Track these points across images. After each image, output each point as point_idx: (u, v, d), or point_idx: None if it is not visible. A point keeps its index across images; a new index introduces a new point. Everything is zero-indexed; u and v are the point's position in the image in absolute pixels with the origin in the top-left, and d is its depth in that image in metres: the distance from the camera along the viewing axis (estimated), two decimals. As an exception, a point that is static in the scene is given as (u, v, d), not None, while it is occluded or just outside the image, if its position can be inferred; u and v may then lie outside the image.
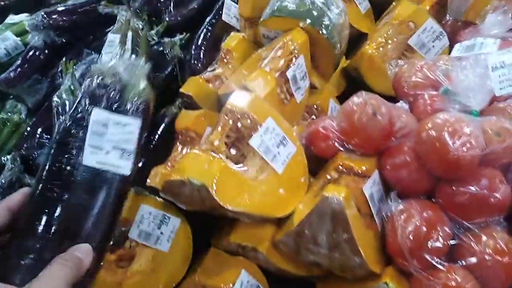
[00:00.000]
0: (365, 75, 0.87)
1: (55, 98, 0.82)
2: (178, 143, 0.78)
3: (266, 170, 0.63)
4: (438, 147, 0.54)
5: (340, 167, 0.64)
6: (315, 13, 0.77)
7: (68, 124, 0.52)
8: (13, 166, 0.87)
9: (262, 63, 0.75)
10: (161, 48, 1.01)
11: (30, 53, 0.98)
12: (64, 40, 0.98)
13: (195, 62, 0.97)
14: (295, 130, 0.72)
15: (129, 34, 0.84)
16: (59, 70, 0.95)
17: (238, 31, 1.03)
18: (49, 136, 0.94)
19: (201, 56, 0.97)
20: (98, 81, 0.54)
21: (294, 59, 0.75)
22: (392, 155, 0.62)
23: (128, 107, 0.53)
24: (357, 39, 0.97)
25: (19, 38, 1.07)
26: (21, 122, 0.98)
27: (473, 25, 0.81)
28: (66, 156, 0.50)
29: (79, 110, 0.53)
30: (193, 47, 0.98)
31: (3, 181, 0.84)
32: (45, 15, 0.94)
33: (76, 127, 0.52)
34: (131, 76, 0.56)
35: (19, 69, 0.96)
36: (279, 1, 0.79)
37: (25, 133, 0.95)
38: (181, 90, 0.83)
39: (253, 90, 0.68)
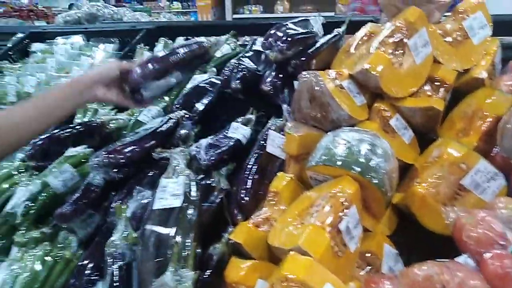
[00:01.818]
0: (418, 214, 0.84)
1: (108, 247, 0.84)
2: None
3: None
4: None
5: None
6: (363, 162, 0.77)
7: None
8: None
9: (312, 214, 0.75)
10: (209, 180, 1.05)
11: (87, 189, 1.03)
12: (121, 177, 1.04)
13: (242, 195, 0.98)
14: (352, 288, 0.68)
15: (181, 179, 0.88)
16: (111, 206, 0.98)
17: (283, 161, 1.06)
18: (98, 274, 0.94)
19: (249, 189, 0.98)
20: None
21: (346, 209, 0.74)
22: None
23: None
24: (403, 168, 0.96)
25: (75, 170, 1.15)
26: (72, 258, 0.99)
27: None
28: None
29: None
30: (240, 180, 1.01)
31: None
32: (106, 154, 1.00)
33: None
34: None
35: (75, 206, 1.01)
36: (327, 149, 0.82)
37: (75, 270, 0.95)
38: (231, 237, 0.83)
39: (308, 251, 0.66)
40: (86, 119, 1.40)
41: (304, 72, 0.97)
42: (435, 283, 0.57)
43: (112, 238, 0.85)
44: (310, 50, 1.28)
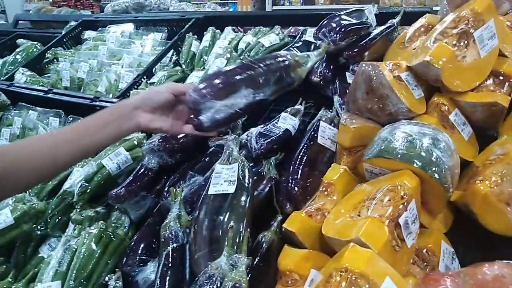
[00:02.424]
0: (479, 213, 0.81)
1: (164, 229, 0.87)
2: (280, 285, 0.77)
3: None
4: None
5: None
6: (425, 156, 0.75)
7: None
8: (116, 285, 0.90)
9: (370, 207, 0.73)
10: (258, 169, 1.05)
11: (141, 172, 1.07)
12: (174, 161, 1.07)
13: (292, 185, 0.98)
14: (410, 285, 0.67)
15: (235, 165, 0.89)
16: (165, 191, 1.01)
17: (333, 152, 1.05)
18: (150, 254, 0.98)
19: (299, 179, 0.98)
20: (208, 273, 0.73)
21: (405, 204, 0.72)
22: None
23: None
24: (461, 166, 0.93)
25: (129, 153, 1.19)
26: (125, 237, 1.03)
27: None
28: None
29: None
30: (290, 170, 1.00)
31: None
32: (161, 139, 1.03)
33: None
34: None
35: (129, 187, 1.05)
36: (386, 141, 0.80)
37: (127, 250, 0.99)
38: (285, 226, 0.83)
39: (367, 243, 0.65)
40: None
41: (362, 63, 0.94)
42: (507, 284, 0.55)
43: (167, 220, 0.88)
44: (364, 41, 1.25)
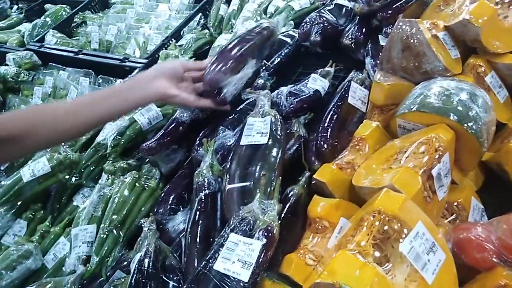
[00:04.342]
0: (512, 172, 0.80)
1: (197, 176, 0.90)
2: (309, 231, 0.79)
3: (416, 279, 0.59)
4: None
5: (502, 284, 0.58)
6: (462, 110, 0.75)
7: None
8: (150, 230, 0.94)
9: (403, 158, 0.74)
10: (288, 127, 1.06)
11: (173, 125, 1.09)
12: (205, 116, 1.09)
13: (322, 143, 0.99)
14: (441, 233, 0.68)
15: (268, 118, 0.90)
16: (196, 144, 1.03)
17: (363, 113, 1.05)
18: (180, 204, 1.01)
19: (328, 137, 0.99)
20: (241, 216, 0.75)
21: (439, 156, 0.72)
22: None
23: (255, 233, 0.71)
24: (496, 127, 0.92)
25: (159, 109, 1.21)
26: (156, 188, 1.07)
27: None
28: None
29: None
30: (320, 128, 1.01)
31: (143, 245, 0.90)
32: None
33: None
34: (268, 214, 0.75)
35: (160, 140, 1.07)
36: (422, 95, 0.79)
37: (159, 199, 1.03)
38: (315, 176, 0.84)
39: (400, 190, 0.66)
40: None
41: (400, 20, 0.93)
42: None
43: (199, 169, 0.91)
44: (399, 3, 1.22)
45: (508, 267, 0.60)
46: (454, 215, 0.77)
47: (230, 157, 0.90)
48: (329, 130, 1.01)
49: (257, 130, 0.89)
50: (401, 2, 1.22)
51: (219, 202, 0.88)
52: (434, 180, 0.72)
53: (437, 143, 0.73)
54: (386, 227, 0.62)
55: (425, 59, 0.90)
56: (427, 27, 0.96)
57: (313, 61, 1.38)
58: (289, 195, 0.92)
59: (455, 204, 0.78)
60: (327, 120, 1.03)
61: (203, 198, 0.86)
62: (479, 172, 0.87)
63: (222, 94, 1.02)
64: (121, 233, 0.97)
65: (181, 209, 1.01)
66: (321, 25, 1.33)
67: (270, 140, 0.87)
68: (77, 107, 0.91)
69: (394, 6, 1.22)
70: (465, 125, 0.74)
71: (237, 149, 0.89)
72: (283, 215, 0.89)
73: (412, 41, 0.91)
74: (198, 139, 1.03)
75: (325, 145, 0.99)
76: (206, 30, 1.67)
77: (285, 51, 1.37)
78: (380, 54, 1.05)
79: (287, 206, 0.90)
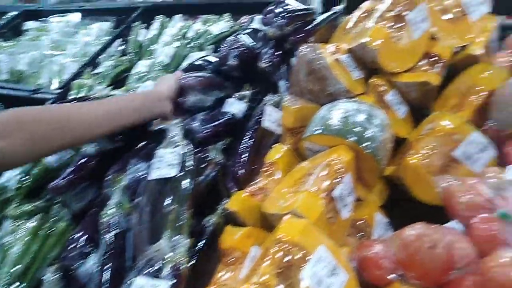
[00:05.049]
0: (411, 185, 0.85)
1: (104, 216, 0.85)
2: (222, 264, 0.77)
3: (320, 305, 0.60)
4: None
5: (398, 300, 0.60)
6: (359, 131, 0.78)
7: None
8: (52, 280, 0.87)
9: (308, 182, 0.75)
10: (205, 154, 1.05)
11: (81, 161, 1.02)
12: (114, 147, 1.04)
13: (238, 168, 0.99)
14: (344, 253, 0.69)
15: (178, 149, 0.88)
16: (106, 179, 0.98)
17: (279, 136, 1.06)
18: (92, 246, 0.94)
19: (245, 163, 0.99)
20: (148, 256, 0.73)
21: (340, 177, 0.75)
22: (455, 290, 0.58)
23: (163, 273, 0.69)
24: (397, 143, 0.97)
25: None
26: (65, 231, 0.99)
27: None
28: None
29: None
30: (236, 154, 1.01)
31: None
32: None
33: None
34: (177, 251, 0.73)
35: (68, 177, 1.00)
36: (324, 118, 0.82)
37: (68, 243, 0.95)
38: (226, 206, 0.83)
39: (304, 215, 0.67)
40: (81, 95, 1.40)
41: (303, 45, 0.96)
42: (426, 242, 0.58)
43: (106, 208, 0.86)
44: (309, 27, 1.27)
45: (405, 282, 0.62)
46: (362, 232, 0.79)
47: (139, 192, 0.86)
48: (246, 155, 1.01)
49: (167, 162, 0.86)
50: (311, 25, 1.28)
51: (129, 240, 0.83)
52: (336, 201, 0.74)
53: (338, 164, 0.75)
54: (289, 256, 0.62)
55: (328, 82, 0.94)
56: (330, 51, 1.01)
57: (232, 84, 1.38)
58: (206, 226, 0.90)
59: (361, 221, 0.80)
60: (243, 145, 1.03)
61: (110, 239, 0.81)
62: (383, 187, 0.91)
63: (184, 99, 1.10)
64: (22, 286, 0.88)
65: (95, 251, 0.94)
66: (238, 49, 1.34)
67: (180, 172, 0.84)
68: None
69: (304, 30, 1.27)
70: (363, 145, 0.77)
71: (147, 184, 0.86)
72: (199, 247, 0.87)
73: (315, 65, 0.94)
74: (107, 174, 0.98)
75: (242, 171, 0.99)
76: (125, 57, 1.63)
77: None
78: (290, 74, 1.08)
79: (204, 237, 0.88)
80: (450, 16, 1.10)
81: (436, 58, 1.04)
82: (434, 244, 0.58)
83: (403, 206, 0.89)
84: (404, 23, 1.02)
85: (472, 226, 0.66)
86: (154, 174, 0.86)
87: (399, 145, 0.97)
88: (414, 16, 1.01)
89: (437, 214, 0.76)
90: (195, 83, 1.12)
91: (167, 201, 0.81)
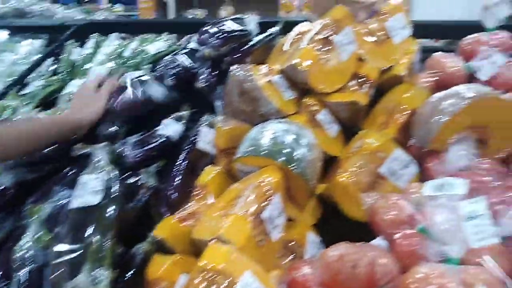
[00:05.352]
0: (341, 203, 0.87)
1: (18, 250, 0.78)
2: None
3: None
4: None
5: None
6: (288, 152, 0.78)
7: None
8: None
9: (237, 205, 0.74)
10: (136, 178, 1.00)
11: (-3, 192, 0.94)
12: (34, 176, 0.96)
13: (171, 192, 0.96)
14: (274, 277, 0.68)
15: (102, 175, 0.83)
16: (25, 209, 0.90)
17: (214, 157, 1.05)
18: (8, 283, 0.86)
19: (178, 186, 0.96)
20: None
21: (269, 199, 0.74)
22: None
23: None
24: (329, 160, 0.99)
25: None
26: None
27: (439, 153, 0.84)
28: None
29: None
30: (169, 177, 0.98)
31: None
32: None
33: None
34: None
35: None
36: (254, 139, 0.82)
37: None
38: (154, 233, 0.79)
39: (230, 240, 0.65)
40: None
41: (234, 66, 0.96)
42: (347, 262, 0.59)
43: (21, 242, 0.79)
44: (244, 48, 1.28)
45: (331, 303, 0.62)
46: (294, 253, 0.79)
47: (59, 223, 0.80)
48: (179, 178, 0.98)
49: (90, 189, 0.81)
50: (246, 47, 1.29)
51: (47, 278, 0.76)
52: (266, 223, 0.73)
53: (267, 185, 0.75)
54: (213, 285, 0.59)
55: (260, 103, 0.94)
56: (263, 72, 1.02)
57: (170, 105, 1.35)
58: (136, 254, 0.85)
59: (292, 242, 0.80)
60: (177, 168, 1.00)
61: (25, 276, 0.74)
62: (316, 206, 0.92)
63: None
64: None
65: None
66: (175, 69, 1.32)
67: (104, 199, 0.80)
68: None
69: (241, 50, 1.28)
70: (291, 165, 0.77)
71: (68, 213, 0.80)
72: (127, 277, 0.82)
73: (246, 86, 0.95)
74: (25, 204, 0.90)
75: (175, 195, 0.95)
76: (57, 76, 1.54)
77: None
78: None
79: (133, 267, 0.83)
80: (375, 39, 1.16)
81: (364, 78, 1.08)
82: (356, 264, 0.59)
83: (334, 224, 0.91)
84: (332, 46, 1.06)
85: (395, 242, 0.68)
86: (76, 202, 0.81)
87: (332, 163, 1.00)
88: (341, 39, 1.05)
89: (370, 230, 0.78)
90: (126, 106, 1.07)
91: (89, 231, 0.76)
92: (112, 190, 0.82)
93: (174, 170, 0.99)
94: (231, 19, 1.34)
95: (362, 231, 0.83)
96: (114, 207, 0.80)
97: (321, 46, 1.06)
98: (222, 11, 5.22)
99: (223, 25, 1.29)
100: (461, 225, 0.59)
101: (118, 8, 6.33)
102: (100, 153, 0.88)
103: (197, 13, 5.23)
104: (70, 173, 0.96)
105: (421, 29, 1.44)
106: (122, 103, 1.09)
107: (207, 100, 1.32)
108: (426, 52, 1.28)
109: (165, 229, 0.79)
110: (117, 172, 0.86)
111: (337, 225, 0.90)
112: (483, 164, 0.79)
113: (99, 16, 3.88)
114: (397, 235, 0.68)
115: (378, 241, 0.70)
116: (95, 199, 0.79)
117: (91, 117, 1.02)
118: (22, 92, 1.46)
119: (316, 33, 1.08)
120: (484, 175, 0.75)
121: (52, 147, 0.98)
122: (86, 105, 1.05)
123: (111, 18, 4.06)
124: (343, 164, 0.89)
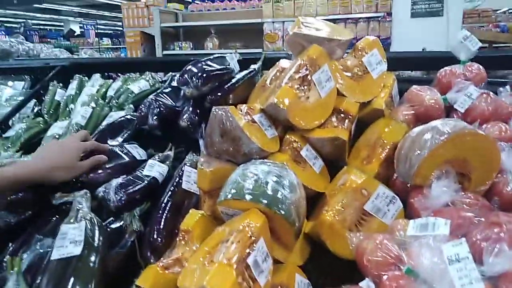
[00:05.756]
0: (327, 241, 0.86)
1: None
2: None
3: None
4: None
5: None
6: (270, 194, 0.78)
7: None
8: None
9: (221, 251, 0.72)
10: (120, 223, 0.98)
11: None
12: (15, 223, 0.94)
13: (155, 236, 0.94)
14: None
15: (82, 224, 0.81)
16: (5, 259, 0.87)
17: (199, 198, 1.04)
18: None
19: (161, 228, 0.94)
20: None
21: (254, 243, 0.73)
22: None
23: None
24: (315, 197, 0.99)
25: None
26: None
27: (422, 188, 0.85)
28: None
29: None
30: (153, 220, 0.96)
31: None
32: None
33: None
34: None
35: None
36: (236, 182, 0.81)
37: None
38: (137, 283, 0.77)
39: (213, 291, 0.64)
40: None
41: (214, 108, 0.97)
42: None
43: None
44: (226, 86, 1.30)
45: None
46: (281, 299, 0.77)
47: (40, 276, 0.77)
48: (163, 221, 0.97)
49: (70, 239, 0.79)
50: (228, 85, 1.31)
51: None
52: (252, 268, 0.71)
53: (250, 230, 0.74)
54: None
55: (242, 143, 0.95)
56: (244, 112, 1.03)
57: (155, 144, 1.35)
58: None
59: (279, 286, 0.78)
60: (161, 210, 0.99)
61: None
62: (304, 244, 0.91)
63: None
64: None
65: None
66: (158, 108, 1.33)
67: (85, 249, 0.78)
68: None
69: (223, 88, 1.30)
70: (274, 208, 0.77)
71: (48, 265, 0.77)
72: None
73: (227, 126, 0.95)
74: (3, 255, 0.87)
75: (159, 238, 0.94)
76: (40, 118, 1.53)
77: (124, 136, 1.33)
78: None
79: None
80: (353, 74, 1.18)
81: (345, 113, 1.10)
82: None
83: (323, 262, 0.89)
84: (310, 83, 1.08)
85: (383, 284, 0.67)
86: (56, 254, 0.78)
87: (318, 199, 1.00)
88: (319, 76, 1.07)
89: (357, 267, 0.77)
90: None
91: (70, 283, 0.73)
92: (93, 239, 0.80)
93: (158, 212, 0.98)
94: (212, 59, 1.36)
95: (350, 268, 0.83)
96: (96, 256, 0.78)
97: (299, 84, 1.08)
98: (208, 42, 5.32)
99: (204, 64, 1.31)
100: (447, 267, 0.58)
101: (106, 42, 6.43)
102: (82, 200, 0.86)
103: (183, 46, 5.32)
104: (52, 219, 0.94)
105: (399, 61, 1.49)
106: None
107: (191, 138, 1.32)
108: (402, 82, 1.31)
109: (148, 278, 0.77)
110: (99, 219, 0.85)
111: (325, 263, 0.89)
112: (466, 198, 0.80)
113: (86, 51, 3.92)
114: (385, 277, 0.67)
115: (367, 283, 0.70)
116: (76, 250, 0.77)
117: (63, 178, 0.98)
118: (6, 135, 1.45)
119: (295, 72, 1.10)
120: (467, 210, 0.76)
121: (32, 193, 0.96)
122: (63, 167, 1.00)
123: (98, 54, 4.11)
124: (329, 201, 0.89)
